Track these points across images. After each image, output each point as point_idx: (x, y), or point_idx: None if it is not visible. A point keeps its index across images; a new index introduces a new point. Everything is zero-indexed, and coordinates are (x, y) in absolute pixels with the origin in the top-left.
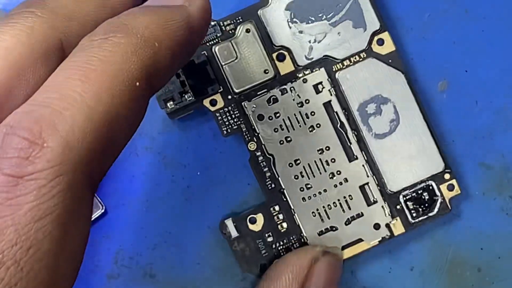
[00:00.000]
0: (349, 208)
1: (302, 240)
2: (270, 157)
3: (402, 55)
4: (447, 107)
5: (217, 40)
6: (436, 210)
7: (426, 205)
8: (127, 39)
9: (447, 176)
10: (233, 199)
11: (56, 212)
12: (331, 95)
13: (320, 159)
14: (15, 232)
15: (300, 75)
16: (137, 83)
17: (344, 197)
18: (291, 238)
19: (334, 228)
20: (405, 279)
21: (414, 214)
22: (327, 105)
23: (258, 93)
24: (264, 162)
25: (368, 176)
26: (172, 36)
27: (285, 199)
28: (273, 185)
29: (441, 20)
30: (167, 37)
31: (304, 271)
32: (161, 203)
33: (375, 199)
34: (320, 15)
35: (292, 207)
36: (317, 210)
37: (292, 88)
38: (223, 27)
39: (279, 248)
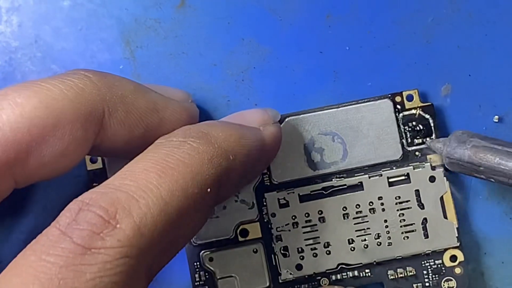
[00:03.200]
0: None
1: None
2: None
3: (405, 60)
4: (451, 111)
5: None
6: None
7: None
8: (206, 146)
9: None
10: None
11: None
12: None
13: (347, 214)
14: None
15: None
16: (209, 190)
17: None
18: None
19: None
20: None
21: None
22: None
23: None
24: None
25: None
26: (246, 152)
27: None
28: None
29: (444, 24)
30: (242, 152)
31: None
32: None
33: None
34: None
35: None
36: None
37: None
38: None
39: None
